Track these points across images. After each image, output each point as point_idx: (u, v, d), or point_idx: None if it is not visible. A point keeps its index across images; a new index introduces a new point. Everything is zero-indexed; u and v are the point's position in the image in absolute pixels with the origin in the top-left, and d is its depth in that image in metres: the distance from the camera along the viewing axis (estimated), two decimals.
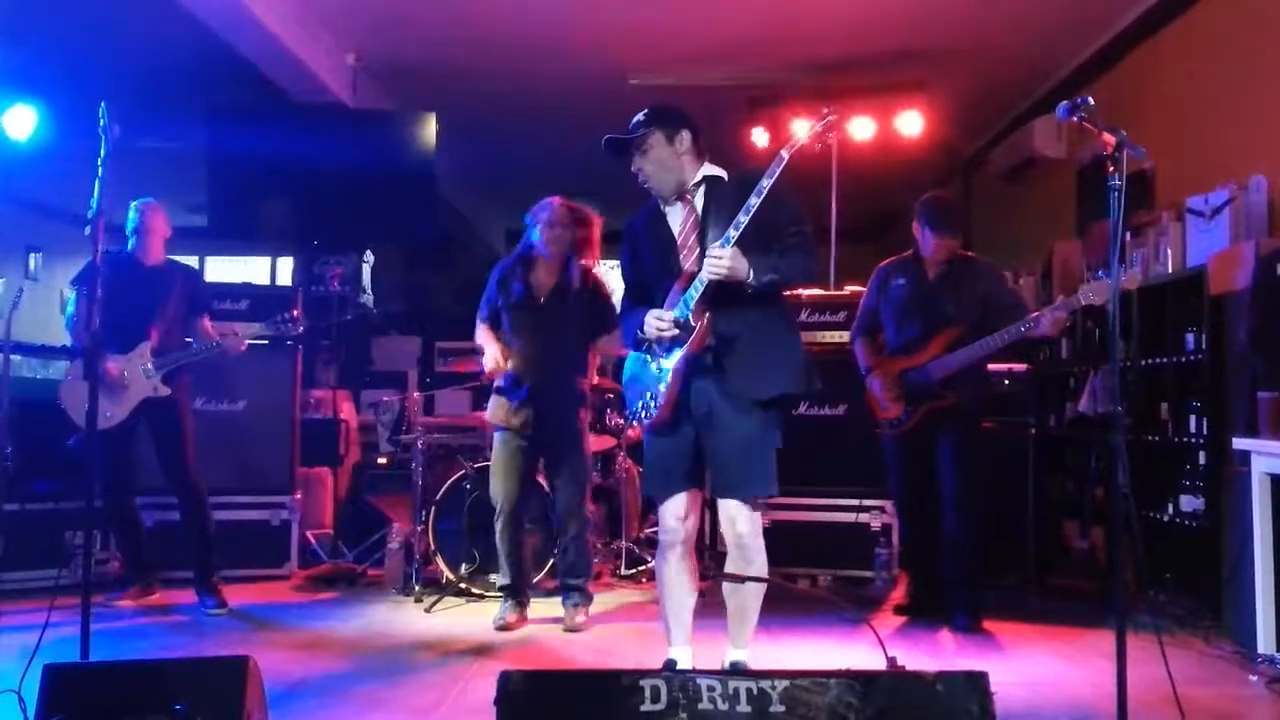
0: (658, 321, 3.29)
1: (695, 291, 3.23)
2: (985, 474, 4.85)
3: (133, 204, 5.15)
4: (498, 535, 4.76)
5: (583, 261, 4.76)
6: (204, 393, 5.62)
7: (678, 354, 3.28)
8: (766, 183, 3.15)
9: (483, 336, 4.75)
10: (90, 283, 3.71)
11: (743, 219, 3.15)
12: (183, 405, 5.09)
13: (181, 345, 5.09)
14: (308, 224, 7.52)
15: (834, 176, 7.22)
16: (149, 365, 4.95)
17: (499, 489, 4.73)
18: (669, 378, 3.30)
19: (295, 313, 5.19)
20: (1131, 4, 6.46)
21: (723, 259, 3.14)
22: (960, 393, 4.69)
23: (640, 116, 3.46)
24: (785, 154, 3.20)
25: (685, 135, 3.41)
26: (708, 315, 3.24)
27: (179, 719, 2.52)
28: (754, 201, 3.15)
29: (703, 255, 3.26)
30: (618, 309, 3.98)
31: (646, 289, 3.51)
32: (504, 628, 4.64)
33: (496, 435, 4.77)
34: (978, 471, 4.75)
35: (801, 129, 3.30)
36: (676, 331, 3.27)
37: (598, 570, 5.74)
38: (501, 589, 4.82)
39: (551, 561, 5.05)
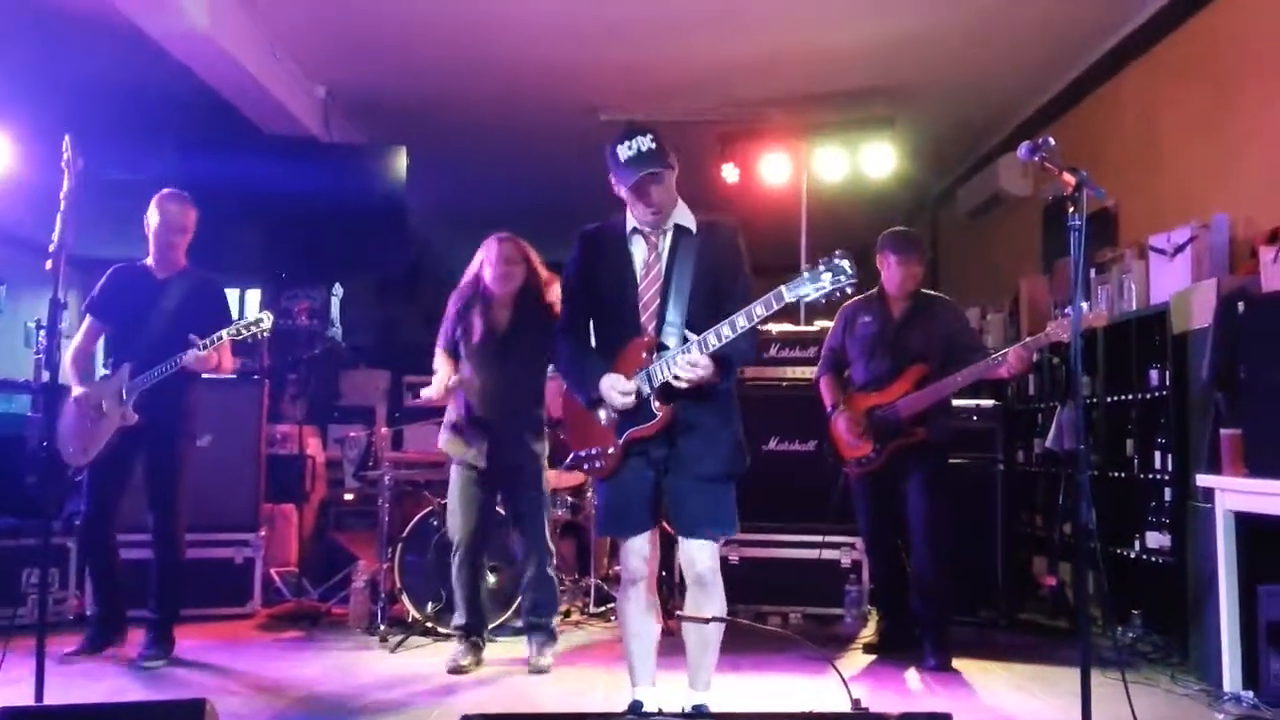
0: (622, 397, 3.24)
1: (659, 377, 3.20)
2: (954, 511, 4.85)
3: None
4: (454, 572, 4.72)
5: (544, 277, 4.69)
6: None
7: (632, 429, 3.27)
8: (749, 317, 3.07)
9: (439, 362, 4.77)
10: (53, 319, 3.64)
11: (714, 341, 3.11)
12: (183, 447, 4.76)
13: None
14: (276, 256, 7.49)
15: (803, 211, 7.25)
16: (123, 390, 4.55)
17: (456, 524, 4.70)
18: (618, 445, 3.30)
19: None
20: (1095, 44, 6.57)
21: (697, 368, 3.11)
22: (928, 429, 4.70)
23: (659, 144, 3.26)
24: (787, 294, 3.03)
25: (675, 171, 3.35)
26: (668, 408, 3.22)
27: None
28: (726, 333, 3.10)
29: (663, 311, 3.26)
30: None
31: (588, 308, 3.46)
32: (457, 670, 4.55)
33: (454, 469, 4.74)
34: (946, 508, 4.76)
35: (814, 276, 3.03)
36: (634, 403, 3.25)
37: (566, 608, 5.69)
38: (456, 628, 4.76)
39: (519, 600, 4.99)
